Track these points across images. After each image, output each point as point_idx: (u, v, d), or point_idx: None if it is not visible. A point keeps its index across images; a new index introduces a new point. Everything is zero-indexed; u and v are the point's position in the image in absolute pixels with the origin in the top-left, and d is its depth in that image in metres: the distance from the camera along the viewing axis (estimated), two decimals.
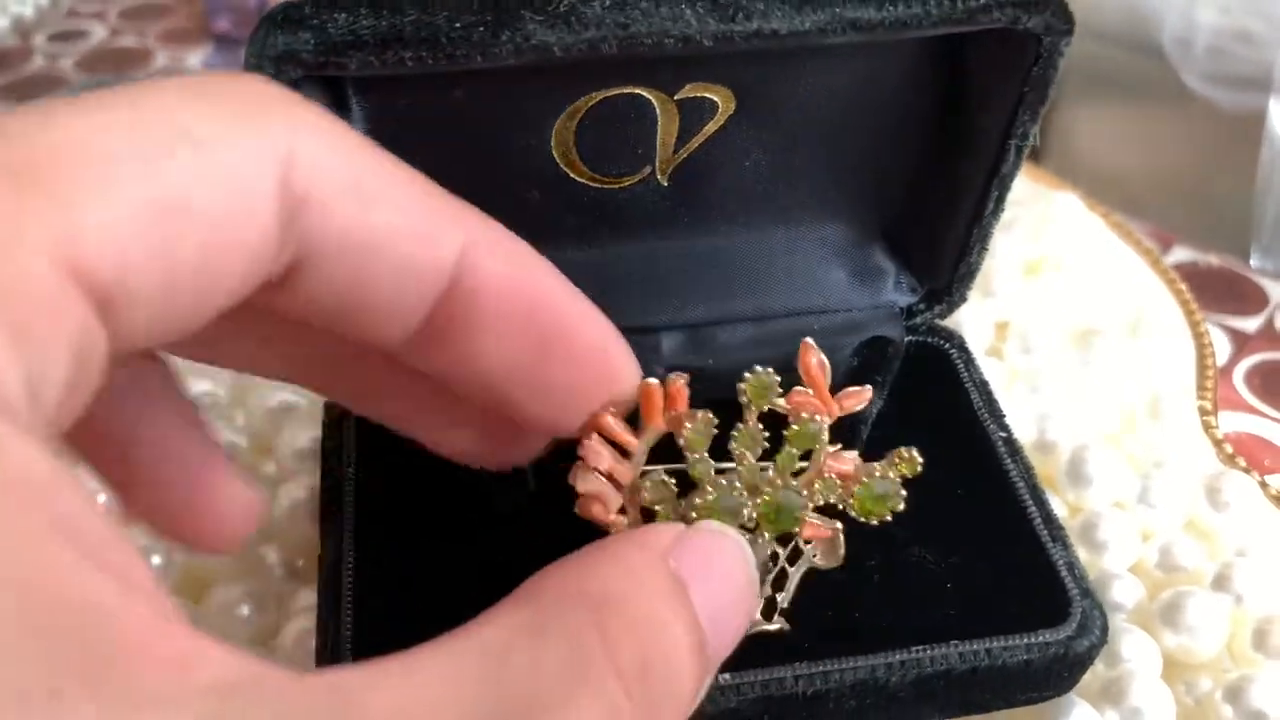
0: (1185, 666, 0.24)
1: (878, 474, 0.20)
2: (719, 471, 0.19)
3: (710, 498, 0.19)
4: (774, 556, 0.20)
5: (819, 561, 0.21)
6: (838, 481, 0.20)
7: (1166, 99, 0.72)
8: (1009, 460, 0.24)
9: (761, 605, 0.20)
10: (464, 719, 0.12)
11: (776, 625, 0.21)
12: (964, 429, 0.25)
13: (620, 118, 0.23)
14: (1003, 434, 0.25)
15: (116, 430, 0.17)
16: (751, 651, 0.20)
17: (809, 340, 0.20)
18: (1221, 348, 0.38)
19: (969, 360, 0.26)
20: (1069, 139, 0.80)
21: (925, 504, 0.21)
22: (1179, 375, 0.30)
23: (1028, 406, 0.28)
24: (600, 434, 0.19)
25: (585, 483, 0.19)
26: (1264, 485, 0.28)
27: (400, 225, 0.16)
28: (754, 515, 0.19)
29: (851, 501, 0.20)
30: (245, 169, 0.14)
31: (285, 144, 0.14)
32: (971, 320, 0.30)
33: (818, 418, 0.20)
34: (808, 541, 0.20)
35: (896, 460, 0.20)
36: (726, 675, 0.21)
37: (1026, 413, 0.28)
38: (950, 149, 0.24)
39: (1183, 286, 0.34)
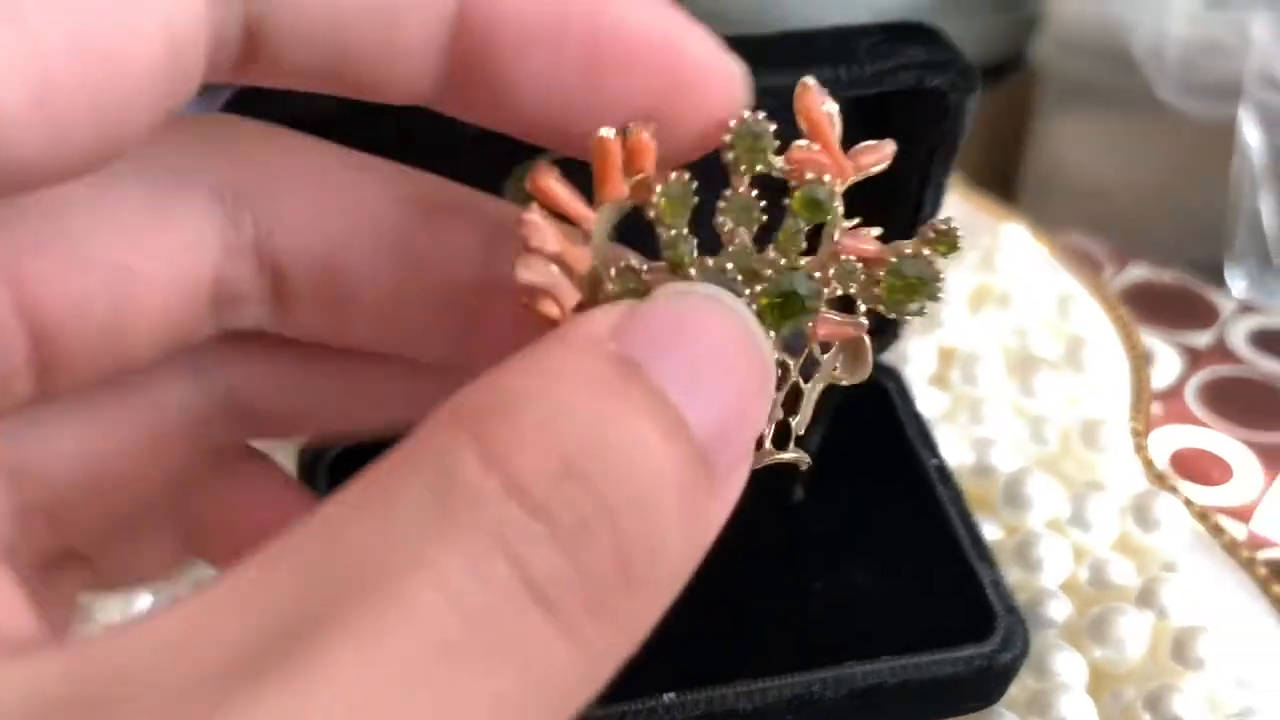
0: (1111, 678, 0.26)
1: (909, 252, 0.15)
2: (704, 255, 0.15)
3: (691, 278, 0.15)
4: (782, 368, 0.16)
5: (840, 374, 0.16)
6: (858, 265, 0.15)
7: (1142, 110, 0.74)
8: (940, 486, 0.26)
9: (776, 405, 0.15)
10: (239, 637, 0.09)
11: (792, 454, 0.16)
12: (898, 458, 0.27)
13: None
14: (935, 462, 0.26)
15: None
16: (694, 669, 0.22)
17: (809, 80, 0.16)
18: (1173, 365, 0.39)
19: (904, 393, 0.28)
20: (1047, 150, 0.81)
21: (860, 527, 0.23)
22: (1115, 400, 0.32)
23: (969, 433, 0.30)
24: (542, 202, 0.15)
25: (529, 270, 0.14)
26: (1189, 504, 0.29)
27: None
28: (753, 307, 0.15)
29: (877, 290, 0.15)
30: None
31: None
32: (917, 350, 0.32)
33: (826, 179, 0.15)
34: (824, 349, 0.16)
35: (931, 235, 0.15)
36: (671, 695, 0.22)
37: (968, 439, 0.30)
38: (877, 198, 0.25)
39: (1123, 313, 0.35)
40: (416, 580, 0.10)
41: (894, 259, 0.15)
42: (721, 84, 0.15)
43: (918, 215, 0.25)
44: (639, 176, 0.15)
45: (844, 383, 0.16)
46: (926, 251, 0.15)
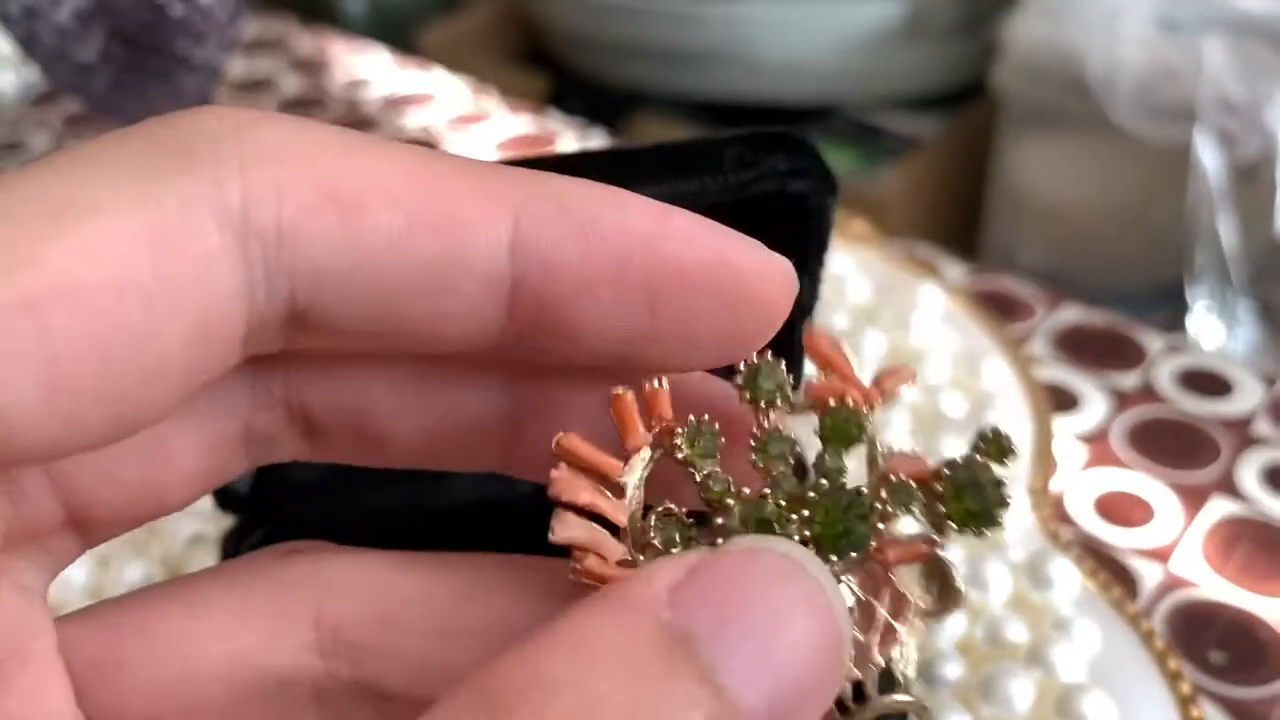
0: None
1: (960, 463, 0.14)
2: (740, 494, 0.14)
3: (737, 519, 0.14)
4: (864, 606, 0.15)
5: (936, 606, 0.15)
6: (913, 485, 0.14)
7: (1100, 134, 0.76)
8: None
9: (872, 649, 0.14)
10: None
11: (903, 698, 0.14)
12: None
13: None
14: None
15: None
16: None
17: (812, 328, 0.16)
18: (1100, 408, 0.40)
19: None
20: (1010, 174, 0.83)
21: None
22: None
23: None
24: (570, 463, 0.14)
25: (565, 528, 0.14)
26: (1082, 560, 0.30)
27: (400, 223, 0.13)
28: (805, 535, 0.14)
29: (940, 509, 0.14)
30: (167, 227, 0.12)
31: (233, 182, 0.12)
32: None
33: (850, 402, 0.15)
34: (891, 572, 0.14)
35: (980, 444, 0.14)
36: None
37: None
38: None
39: (1031, 373, 0.37)
40: None
41: (947, 471, 0.14)
42: (778, 285, 0.15)
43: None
44: (661, 424, 0.15)
45: (940, 616, 0.15)
46: (979, 458, 0.14)
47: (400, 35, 0.84)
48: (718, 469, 0.14)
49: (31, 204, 0.11)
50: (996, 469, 0.14)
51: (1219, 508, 0.36)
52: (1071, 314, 0.46)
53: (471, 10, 1.07)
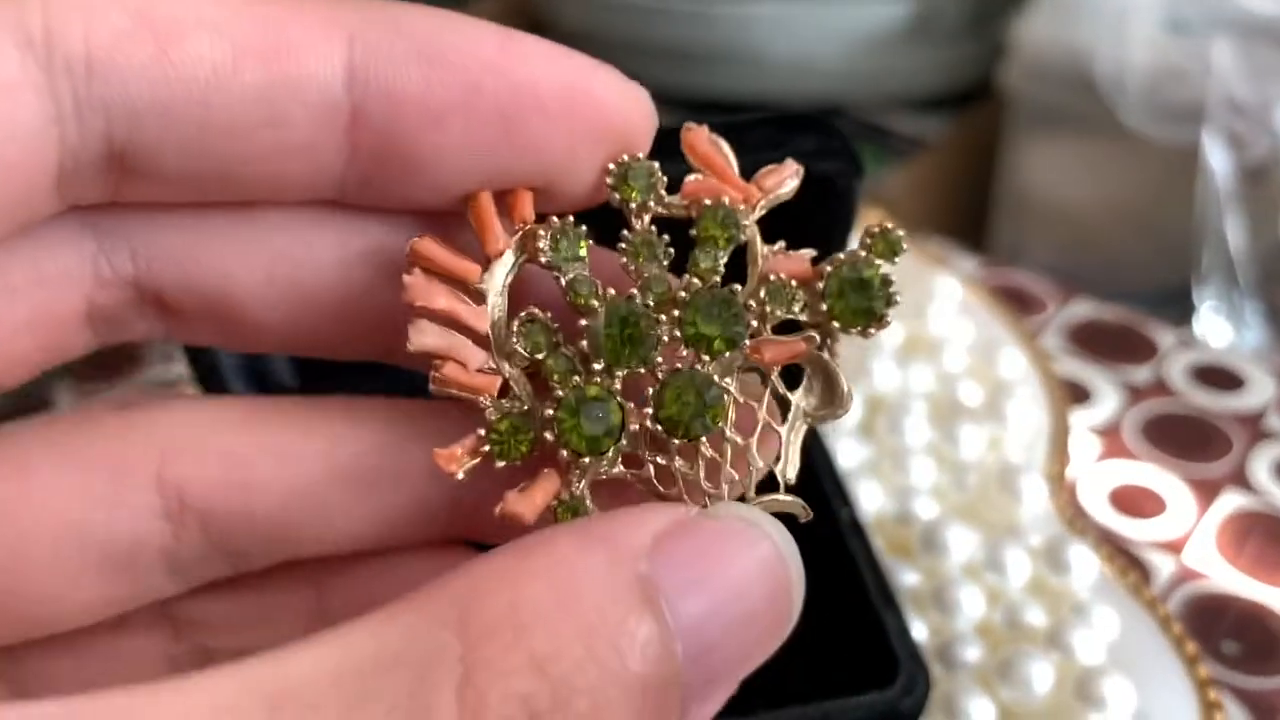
0: (1018, 717, 0.27)
1: (845, 259, 0.14)
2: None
3: (599, 320, 0.14)
4: (741, 409, 0.14)
5: (819, 412, 0.14)
6: (793, 284, 0.14)
7: (1108, 135, 0.76)
8: (850, 537, 0.27)
9: (750, 451, 0.14)
10: None
11: (788, 500, 0.15)
12: (811, 509, 0.28)
13: None
14: (847, 512, 0.28)
15: None
16: None
17: (691, 124, 0.15)
18: (1113, 401, 0.41)
19: (820, 446, 0.29)
20: (1018, 174, 0.83)
21: None
22: (1035, 446, 0.33)
23: (893, 481, 0.32)
24: (424, 267, 0.14)
25: (420, 336, 0.14)
26: (1100, 545, 0.31)
27: (224, 51, 0.12)
28: (676, 335, 0.14)
29: (824, 307, 0.14)
30: None
31: (35, 8, 0.12)
32: None
33: (725, 201, 0.14)
34: (771, 373, 0.14)
35: (868, 240, 0.14)
36: None
37: (891, 487, 0.31)
38: None
39: (1048, 361, 0.37)
40: None
41: (830, 269, 0.14)
42: (636, 114, 0.14)
43: None
44: (522, 229, 0.14)
45: (824, 420, 0.15)
46: (865, 255, 0.14)
47: None
48: (585, 272, 0.14)
49: None
50: (884, 266, 0.14)
51: (1231, 501, 0.36)
52: (1084, 309, 0.46)
53: (478, 8, 1.08)
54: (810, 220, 0.26)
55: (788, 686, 0.25)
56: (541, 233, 0.14)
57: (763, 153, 0.24)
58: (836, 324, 0.14)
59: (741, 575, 0.13)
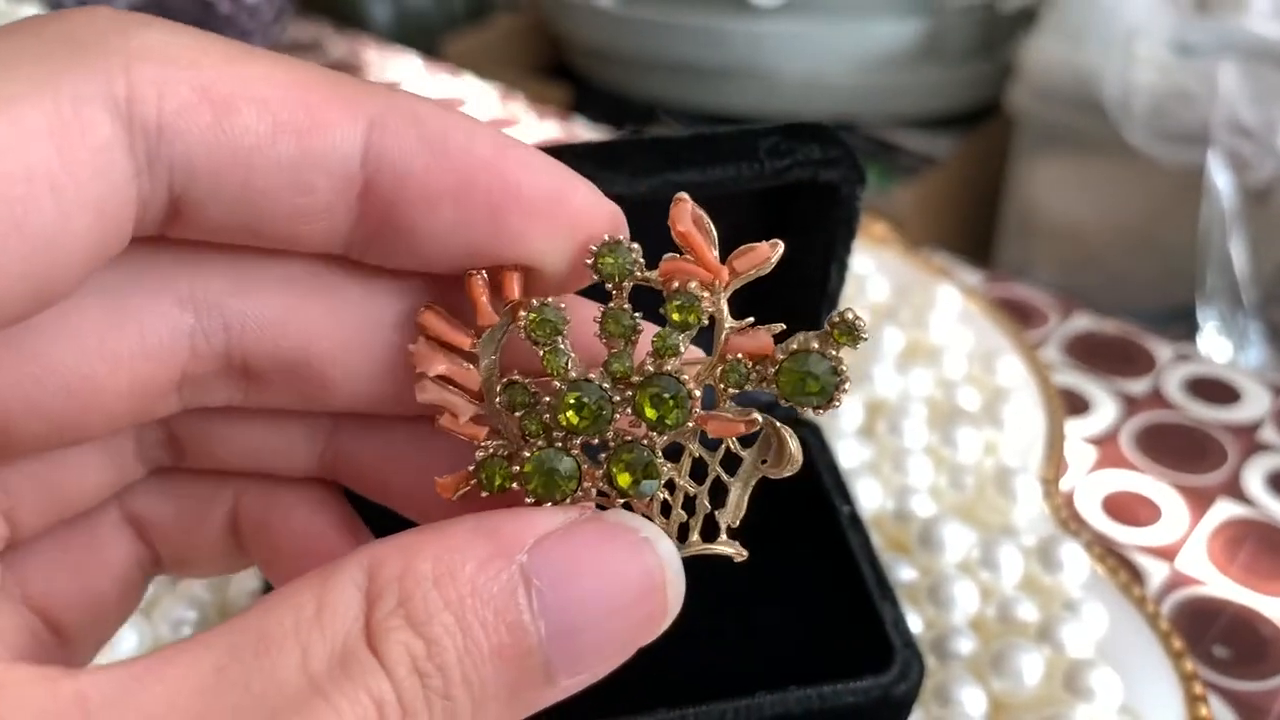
0: (1009, 707, 0.28)
1: (796, 348, 0.15)
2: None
3: (564, 396, 0.16)
4: (699, 465, 0.16)
5: (771, 468, 0.16)
6: (748, 363, 0.15)
7: (1114, 155, 0.77)
8: (850, 532, 0.29)
9: (701, 499, 0.16)
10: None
11: (725, 547, 0.16)
12: (813, 506, 0.29)
13: None
14: (847, 509, 0.29)
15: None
16: (616, 701, 0.25)
17: (682, 195, 0.16)
18: (1110, 411, 0.42)
19: (823, 445, 0.31)
20: (1024, 194, 0.84)
21: (775, 569, 0.25)
22: (1030, 450, 0.34)
23: (892, 481, 0.33)
24: (428, 336, 0.16)
25: (423, 393, 0.16)
26: (1091, 546, 0.32)
27: (266, 125, 0.15)
28: (628, 410, 0.16)
29: (774, 388, 0.15)
30: (66, 119, 0.13)
31: (120, 76, 0.14)
32: (848, 403, 0.34)
33: (693, 285, 0.16)
34: (743, 440, 0.16)
35: (829, 329, 0.15)
36: None
37: (890, 486, 0.32)
38: (785, 282, 0.28)
39: (1045, 369, 0.38)
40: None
41: (783, 357, 0.15)
42: (604, 220, 0.16)
43: (824, 291, 0.28)
44: (509, 304, 0.16)
45: (774, 476, 0.16)
46: (817, 345, 0.15)
47: (424, 46, 0.85)
48: (561, 345, 0.16)
49: None
50: (844, 352, 0.15)
51: (1225, 510, 0.37)
52: (1083, 322, 0.47)
53: (494, 22, 1.09)
54: (814, 227, 0.27)
55: (788, 671, 0.26)
56: (523, 312, 0.16)
57: (771, 160, 0.25)
58: (786, 403, 0.16)
59: (614, 572, 0.15)
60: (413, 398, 0.17)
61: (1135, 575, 0.33)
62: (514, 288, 0.16)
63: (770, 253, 0.16)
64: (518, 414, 0.16)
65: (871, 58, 0.90)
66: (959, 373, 0.37)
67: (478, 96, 0.65)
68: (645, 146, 0.25)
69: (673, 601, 0.15)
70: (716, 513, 0.16)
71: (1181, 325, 0.72)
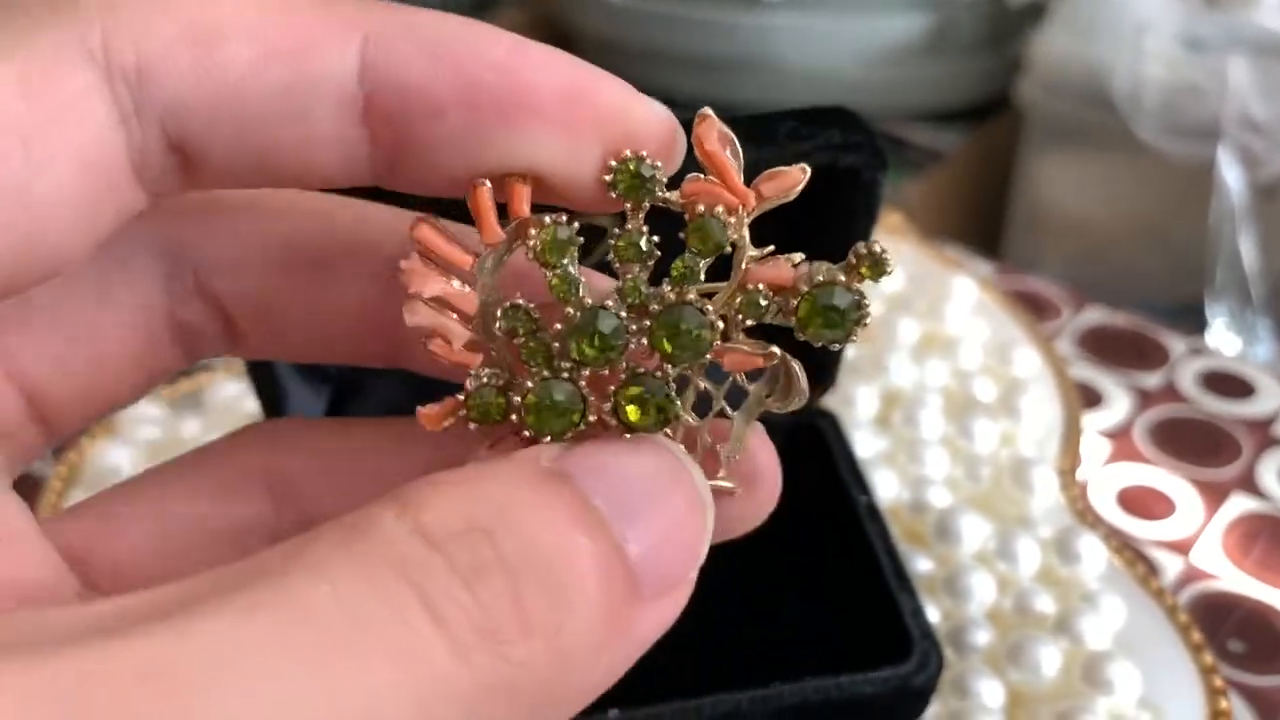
0: (1027, 699, 0.28)
1: (823, 279, 0.14)
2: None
3: (573, 323, 0.15)
4: (706, 396, 0.15)
5: (774, 402, 0.15)
6: (768, 293, 0.15)
7: (1124, 150, 0.76)
8: (868, 523, 0.28)
9: (702, 433, 0.15)
10: (157, 602, 0.11)
11: (728, 483, 0.16)
12: (831, 496, 0.29)
13: None
14: (865, 500, 0.29)
15: None
16: (636, 687, 0.24)
17: (706, 110, 0.15)
18: (1124, 405, 0.41)
19: (840, 436, 0.30)
20: (1032, 188, 0.84)
21: (793, 558, 0.25)
22: (1047, 441, 0.34)
23: (908, 472, 0.32)
24: (421, 252, 0.15)
25: (413, 315, 0.15)
26: (1109, 538, 0.31)
27: (254, 53, 0.14)
28: (643, 342, 0.15)
29: (792, 320, 0.15)
30: (36, 73, 0.13)
31: (94, 25, 0.13)
32: (863, 393, 0.34)
33: (719, 210, 0.14)
34: (753, 378, 0.15)
35: (854, 260, 0.15)
36: (615, 711, 0.25)
37: (906, 477, 0.32)
38: None
39: (1060, 361, 0.38)
40: (308, 579, 0.11)
41: (807, 287, 0.14)
42: (648, 125, 0.15)
43: None
44: (515, 221, 0.15)
45: (779, 410, 0.15)
46: (843, 277, 0.14)
47: None
48: (573, 269, 0.15)
49: None
50: (867, 285, 0.14)
51: (1239, 504, 0.37)
52: (1096, 315, 0.47)
53: (501, 15, 1.09)
54: (834, 212, 0.27)
55: (805, 661, 0.26)
56: (533, 230, 0.15)
57: (791, 145, 0.25)
58: (803, 336, 0.15)
59: (641, 461, 0.14)
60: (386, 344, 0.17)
61: (1152, 568, 0.33)
62: (522, 202, 0.15)
63: (800, 178, 0.15)
64: (517, 339, 0.15)
65: (879, 51, 0.90)
66: (975, 364, 0.36)
67: None
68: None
69: (705, 497, 0.14)
70: (718, 445, 0.16)
71: (1190, 321, 0.71)
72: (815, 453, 0.30)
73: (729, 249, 0.15)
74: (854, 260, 0.15)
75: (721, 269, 0.15)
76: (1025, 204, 0.83)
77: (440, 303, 0.15)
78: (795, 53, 0.89)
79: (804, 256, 0.15)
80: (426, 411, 0.15)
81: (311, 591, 0.11)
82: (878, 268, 0.14)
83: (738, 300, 0.15)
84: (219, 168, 0.15)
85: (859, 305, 0.14)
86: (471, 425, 0.15)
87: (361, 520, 0.12)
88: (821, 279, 0.14)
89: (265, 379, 0.28)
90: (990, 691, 0.27)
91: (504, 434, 0.15)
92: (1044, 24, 0.80)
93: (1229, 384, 0.43)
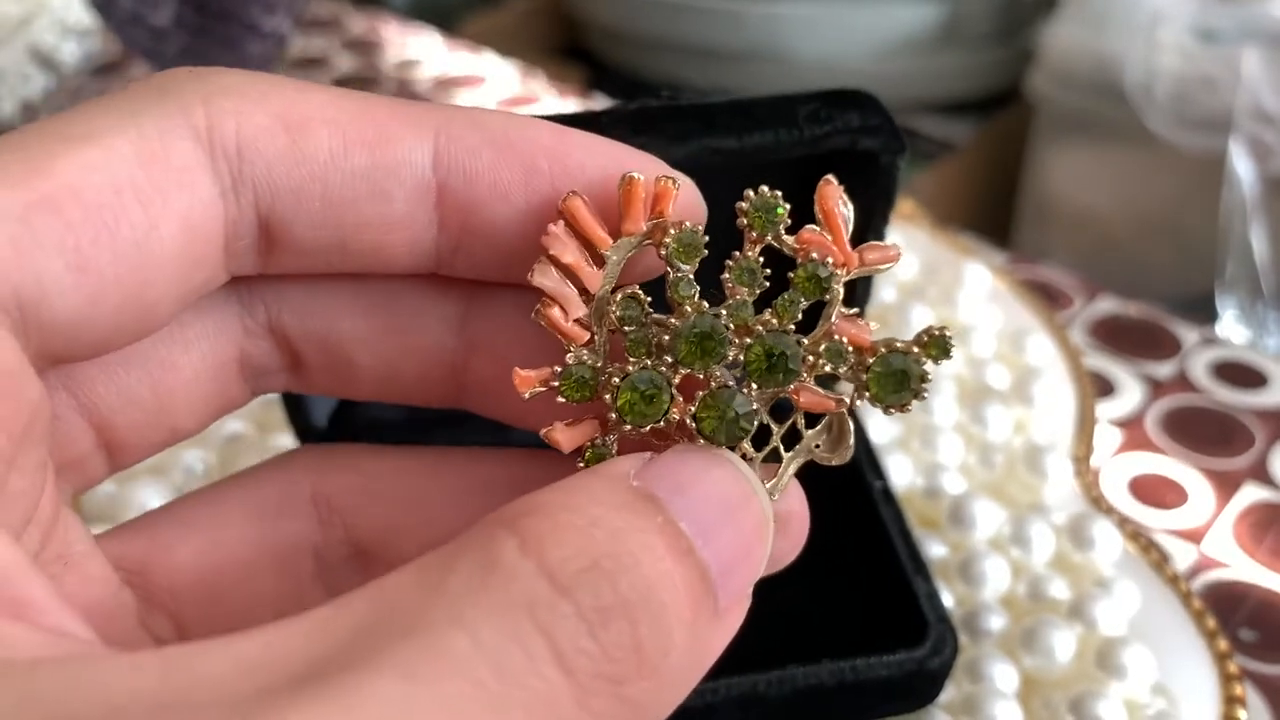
0: (1041, 684, 0.28)
1: (899, 348, 0.16)
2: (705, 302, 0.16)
3: (688, 323, 0.16)
4: (765, 432, 0.17)
5: (823, 453, 0.17)
6: (849, 349, 0.16)
7: (1135, 142, 0.76)
8: (883, 506, 0.28)
9: (755, 466, 0.16)
10: (302, 659, 0.11)
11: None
12: (846, 480, 0.29)
13: None
14: (880, 484, 0.29)
15: None
16: None
17: (830, 177, 0.17)
18: (1136, 394, 0.41)
19: (856, 420, 0.30)
20: (1043, 180, 0.84)
21: (808, 542, 0.25)
22: (1061, 428, 0.34)
23: (921, 458, 0.32)
24: (569, 222, 0.16)
25: (541, 275, 0.16)
26: (1123, 524, 0.31)
27: (338, 141, 0.16)
28: (740, 359, 0.16)
29: (864, 377, 0.16)
30: (150, 147, 0.14)
31: (199, 110, 0.15)
32: None
33: (828, 262, 0.16)
34: (806, 420, 0.17)
35: (925, 339, 0.16)
36: None
37: (920, 463, 0.32)
38: None
39: (1074, 348, 0.38)
40: (453, 632, 0.11)
41: (884, 350, 0.16)
42: (679, 195, 0.17)
43: None
44: (657, 219, 0.16)
45: (823, 461, 0.17)
46: (915, 350, 0.16)
47: (440, 26, 0.85)
48: (690, 276, 0.16)
49: (44, 136, 0.14)
50: (929, 365, 0.16)
51: (1251, 494, 0.37)
52: (1108, 305, 0.47)
53: (510, 3, 1.09)
54: (852, 195, 0.27)
55: (821, 644, 0.26)
56: (671, 230, 0.16)
57: (810, 128, 0.25)
58: (867, 395, 0.16)
59: (714, 478, 0.15)
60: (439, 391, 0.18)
61: (1165, 555, 0.33)
62: (668, 203, 0.16)
63: (896, 256, 0.17)
64: (627, 329, 0.16)
65: (890, 42, 0.89)
66: (988, 351, 0.36)
67: (498, 73, 0.65)
68: (681, 113, 0.24)
69: (768, 515, 0.15)
70: (767, 482, 0.17)
71: (1200, 313, 0.71)
72: None
73: (826, 298, 0.16)
74: (924, 339, 0.16)
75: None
76: (1035, 195, 0.83)
77: (568, 271, 0.16)
78: (806, 43, 0.89)
79: (877, 326, 0.17)
80: (523, 375, 0.16)
81: (456, 644, 0.11)
82: (942, 349, 0.16)
83: (822, 347, 0.16)
84: (299, 247, 0.16)
85: (923, 378, 0.16)
86: (560, 399, 0.16)
87: (485, 551, 0.12)
88: (898, 347, 0.16)
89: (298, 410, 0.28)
90: (1004, 676, 0.27)
91: (585, 417, 0.16)
92: (1055, 15, 0.80)
93: (1241, 374, 0.43)
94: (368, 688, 0.11)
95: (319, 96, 0.16)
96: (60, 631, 0.12)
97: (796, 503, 0.17)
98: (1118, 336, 0.44)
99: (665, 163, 0.17)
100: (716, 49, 0.91)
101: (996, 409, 0.34)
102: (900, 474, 0.32)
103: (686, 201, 0.17)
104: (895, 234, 0.41)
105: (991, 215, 0.86)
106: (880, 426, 0.33)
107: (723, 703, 0.25)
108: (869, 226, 0.27)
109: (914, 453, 0.33)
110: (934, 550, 0.30)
